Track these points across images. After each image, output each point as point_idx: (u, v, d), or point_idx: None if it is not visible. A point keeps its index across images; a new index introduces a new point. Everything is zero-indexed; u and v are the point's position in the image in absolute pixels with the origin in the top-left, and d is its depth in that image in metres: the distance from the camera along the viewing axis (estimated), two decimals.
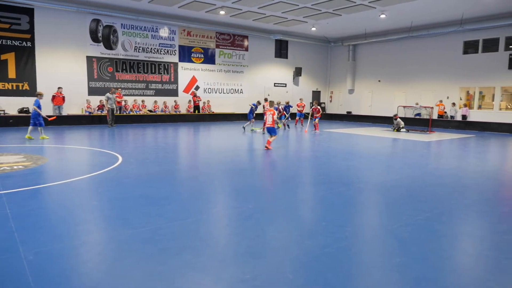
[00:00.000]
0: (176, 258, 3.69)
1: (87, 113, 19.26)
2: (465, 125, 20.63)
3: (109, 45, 19.93)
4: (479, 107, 21.55)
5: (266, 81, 26.32)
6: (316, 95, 29.02)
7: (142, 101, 20.99)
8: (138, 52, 20.84)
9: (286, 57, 27.10)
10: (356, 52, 27.43)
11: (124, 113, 20.11)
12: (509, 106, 20.94)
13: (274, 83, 26.74)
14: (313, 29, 23.49)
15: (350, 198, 6.22)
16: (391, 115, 20.18)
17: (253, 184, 7.22)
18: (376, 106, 26.29)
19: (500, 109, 20.66)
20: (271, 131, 11.57)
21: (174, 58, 22.19)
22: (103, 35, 19.70)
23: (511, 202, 6.48)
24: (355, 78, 27.68)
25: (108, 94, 17.62)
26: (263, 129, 16.28)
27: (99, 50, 19.68)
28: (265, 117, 12.38)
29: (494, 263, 3.79)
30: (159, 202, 5.61)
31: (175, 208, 5.37)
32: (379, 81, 26.15)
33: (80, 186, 6.67)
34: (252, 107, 17.65)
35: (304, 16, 20.45)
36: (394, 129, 18.73)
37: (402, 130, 18.43)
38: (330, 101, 29.46)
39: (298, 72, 27.24)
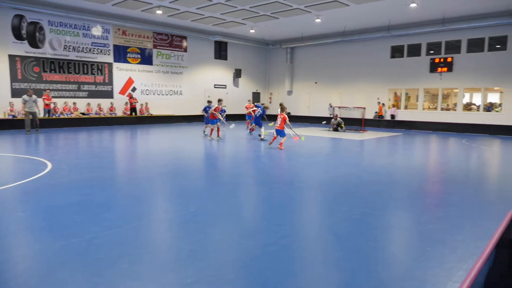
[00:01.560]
0: (113, 268, 3.53)
1: (10, 117, 17.73)
2: (394, 124, 22.13)
3: (34, 43, 18.52)
4: (406, 107, 23.22)
5: (206, 82, 26.14)
6: (256, 96, 29.39)
7: (74, 103, 19.79)
8: (68, 51, 19.61)
9: (226, 59, 27.13)
10: (293, 55, 28.22)
11: (54, 116, 18.82)
12: (431, 106, 22.81)
13: (214, 85, 26.65)
14: (252, 31, 23.78)
15: (290, 197, 6.38)
16: (326, 115, 21.02)
17: (194, 187, 7.13)
18: (314, 107, 27.25)
19: (424, 109, 22.44)
20: (280, 133, 12.37)
21: (109, 58, 21.22)
22: (28, 32, 18.26)
23: (434, 194, 7.06)
24: (293, 80, 28.47)
25: (24, 97, 15.22)
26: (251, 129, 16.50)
27: (23, 49, 18.21)
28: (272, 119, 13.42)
29: (419, 251, 4.10)
30: (93, 210, 5.32)
31: (112, 215, 5.14)
32: (315, 82, 27.13)
33: (2, 196, 6.12)
34: (257, 111, 15.35)
35: (242, 18, 20.62)
36: (331, 129, 19.53)
37: (341, 129, 19.22)
38: (270, 102, 29.99)
39: (238, 74, 27.40)
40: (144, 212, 5.36)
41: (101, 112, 20.81)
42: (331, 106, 24.07)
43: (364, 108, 21.18)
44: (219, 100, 14.88)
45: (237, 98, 27.76)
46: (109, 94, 21.41)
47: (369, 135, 17.64)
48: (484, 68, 19.55)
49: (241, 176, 8.25)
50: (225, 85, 27.33)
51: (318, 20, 20.15)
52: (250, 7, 18.32)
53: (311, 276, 3.49)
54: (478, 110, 20.77)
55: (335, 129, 19.34)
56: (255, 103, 17.56)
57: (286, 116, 12.61)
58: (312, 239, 4.49)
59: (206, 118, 15.26)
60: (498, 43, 19.23)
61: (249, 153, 11.89)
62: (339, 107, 22.00)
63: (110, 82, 21.41)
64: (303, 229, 4.89)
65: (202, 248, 4.03)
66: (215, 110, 14.37)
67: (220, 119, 14.43)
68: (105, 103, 21.14)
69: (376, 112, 23.44)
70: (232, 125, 16.35)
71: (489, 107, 20.66)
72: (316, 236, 4.62)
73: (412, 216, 5.51)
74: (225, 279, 3.35)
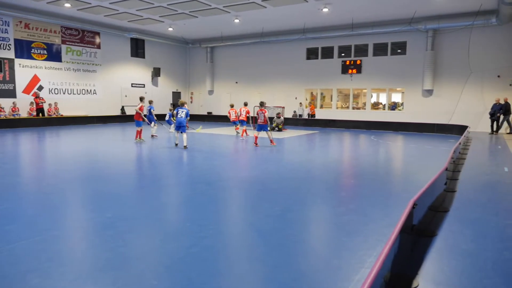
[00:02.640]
0: (19, 285, 3.19)
1: None
2: (311, 122, 23.27)
3: None
4: (321, 107, 24.57)
5: (123, 81, 24.91)
6: (176, 96, 28.79)
7: None
8: None
9: (144, 57, 26.14)
10: (214, 54, 28.18)
11: None
12: (343, 105, 24.44)
13: (132, 84, 25.51)
14: (170, 29, 23.23)
15: (213, 197, 6.37)
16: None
17: (111, 191, 6.75)
18: (235, 106, 27.43)
19: (337, 108, 23.96)
20: (264, 127, 13.13)
21: (9, 54, 19.14)
22: None
23: (347, 188, 7.58)
24: (214, 79, 28.43)
25: None
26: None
27: None
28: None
29: (336, 242, 4.38)
30: None
31: (17, 227, 4.64)
32: (236, 82, 27.41)
33: None
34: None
35: (160, 15, 20.04)
36: (272, 128, 18.84)
37: (277, 129, 19.12)
38: (191, 102, 29.61)
39: (156, 73, 26.56)
40: (54, 222, 4.94)
41: (2, 113, 18.69)
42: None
43: (283, 107, 21.94)
44: (141, 99, 14.14)
45: (157, 98, 26.86)
46: (11, 93, 19.31)
47: (288, 134, 18.31)
48: (388, 70, 21.50)
49: (163, 178, 8.02)
50: (143, 84, 26.33)
51: (237, 21, 20.37)
52: (167, 5, 17.87)
53: (236, 273, 3.53)
54: (384, 109, 22.77)
55: (273, 129, 18.62)
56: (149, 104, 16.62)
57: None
58: (236, 237, 4.53)
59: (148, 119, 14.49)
60: (399, 47, 21.28)
61: (168, 154, 11.61)
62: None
63: (12, 80, 19.33)
64: (226, 227, 4.91)
65: (120, 255, 3.83)
66: (140, 109, 13.73)
67: (142, 122, 13.81)
68: (6, 103, 19.02)
69: (308, 114, 23.98)
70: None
71: (393, 106, 22.78)
72: (240, 233, 4.68)
73: (328, 209, 5.85)
74: (147, 285, 3.24)
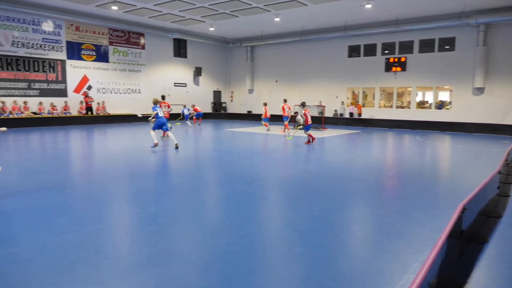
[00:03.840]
0: (68, 274, 3.36)
1: None
2: (352, 121, 22.77)
3: None
4: (363, 105, 23.96)
5: (165, 80, 25.62)
6: (217, 95, 29.21)
7: (24, 102, 18.73)
8: (17, 47, 18.51)
9: (186, 57, 26.73)
10: (254, 53, 28.29)
11: (2, 116, 17.72)
12: (387, 104, 23.69)
13: (174, 83, 26.18)
14: (211, 29, 23.58)
15: (252, 195, 6.39)
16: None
17: (155, 187, 6.96)
18: (275, 105, 27.46)
19: (380, 107, 23.27)
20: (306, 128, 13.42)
21: (61, 55, 20.26)
22: None
23: (389, 188, 7.33)
24: (254, 78, 28.54)
25: None
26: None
27: None
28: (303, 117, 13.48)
29: (377, 244, 4.24)
30: (46, 215, 5.05)
31: (66, 220, 4.89)
32: (276, 81, 27.36)
33: None
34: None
35: (201, 15, 20.39)
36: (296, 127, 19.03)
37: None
38: (231, 100, 29.92)
39: (198, 72, 27.09)
40: (102, 216, 5.16)
41: (54, 111, 19.83)
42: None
43: (324, 106, 21.63)
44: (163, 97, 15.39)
45: (198, 97, 27.46)
46: (62, 93, 20.44)
47: (329, 133, 18.03)
48: (435, 67, 20.56)
49: (203, 176, 8.16)
50: (185, 84, 26.93)
51: (277, 19, 20.31)
52: (209, 5, 18.14)
53: (274, 273, 3.51)
54: (430, 108, 21.83)
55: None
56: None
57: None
58: (274, 236, 4.51)
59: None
60: (447, 44, 20.29)
61: (209, 152, 11.79)
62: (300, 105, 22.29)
63: (64, 80, 20.46)
64: (265, 226, 4.90)
65: (163, 251, 3.93)
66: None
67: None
68: (58, 102, 20.17)
69: (351, 113, 23.58)
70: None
71: (440, 105, 21.78)
72: (278, 233, 4.65)
73: (369, 210, 5.68)
74: (187, 281, 3.29)
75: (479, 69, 18.85)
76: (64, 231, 4.41)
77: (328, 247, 4.06)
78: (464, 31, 19.25)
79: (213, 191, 6.93)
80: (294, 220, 5.03)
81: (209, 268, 3.55)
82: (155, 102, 12.49)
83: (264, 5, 17.97)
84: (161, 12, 19.66)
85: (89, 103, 21.00)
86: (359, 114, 23.23)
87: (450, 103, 21.21)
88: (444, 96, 23.32)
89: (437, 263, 2.66)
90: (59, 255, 3.76)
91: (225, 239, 4.27)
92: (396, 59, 21.70)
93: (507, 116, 18.50)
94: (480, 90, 19.27)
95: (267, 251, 4.02)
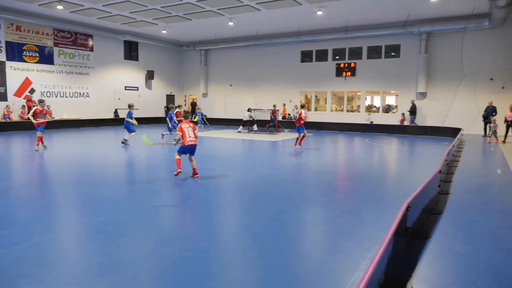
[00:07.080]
0: None
1: None
2: (305, 125, 23.22)
3: None
4: (316, 109, 24.62)
5: (116, 84, 24.78)
6: (170, 98, 28.71)
7: None
8: None
9: (137, 59, 26.04)
10: (208, 57, 28.16)
11: None
12: (338, 108, 24.51)
13: (125, 87, 25.40)
14: (164, 32, 23.17)
15: (208, 200, 6.33)
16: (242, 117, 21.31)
17: (104, 195, 6.69)
18: (229, 109, 27.49)
19: (331, 110, 24.03)
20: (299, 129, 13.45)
21: (1, 56, 18.97)
22: None
23: (342, 190, 7.58)
24: (208, 82, 28.38)
25: None
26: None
27: None
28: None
29: (329, 244, 4.37)
30: None
31: (9, 232, 4.57)
32: (230, 85, 27.40)
33: None
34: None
35: (154, 18, 19.99)
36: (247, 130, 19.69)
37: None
38: (185, 105, 29.54)
39: (150, 75, 26.48)
40: (47, 227, 4.89)
41: None
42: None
43: (278, 110, 21.93)
44: (179, 106, 15.51)
45: (151, 101, 26.86)
46: (2, 96, 19.14)
47: (282, 136, 18.31)
48: (382, 73, 21.61)
49: (155, 181, 7.97)
50: (137, 87, 26.22)
51: (231, 23, 20.38)
52: (161, 7, 17.83)
53: (230, 277, 3.50)
54: (378, 112, 22.86)
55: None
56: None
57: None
58: (230, 241, 4.50)
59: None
60: (393, 50, 21.41)
61: (161, 158, 11.55)
62: (254, 109, 22.50)
63: (3, 83, 19.15)
64: (221, 231, 4.88)
65: (113, 259, 3.79)
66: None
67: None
68: None
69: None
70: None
71: (387, 109, 22.88)
72: (234, 237, 4.65)
73: (323, 211, 5.84)
74: None
75: (422, 75, 20.08)
76: (6, 244, 4.12)
77: (284, 250, 4.11)
78: (409, 39, 20.43)
79: (167, 197, 6.79)
80: (250, 224, 5.05)
81: (163, 275, 3.48)
82: (130, 106, 12.98)
83: (217, 9, 17.96)
84: (111, 13, 19.03)
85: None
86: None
87: (396, 107, 22.35)
88: (390, 100, 24.54)
89: (385, 259, 2.79)
90: (2, 269, 3.50)
91: (179, 245, 4.20)
92: (346, 65, 22.55)
93: (446, 119, 19.82)
94: (423, 95, 20.51)
95: (223, 256, 4.00)
